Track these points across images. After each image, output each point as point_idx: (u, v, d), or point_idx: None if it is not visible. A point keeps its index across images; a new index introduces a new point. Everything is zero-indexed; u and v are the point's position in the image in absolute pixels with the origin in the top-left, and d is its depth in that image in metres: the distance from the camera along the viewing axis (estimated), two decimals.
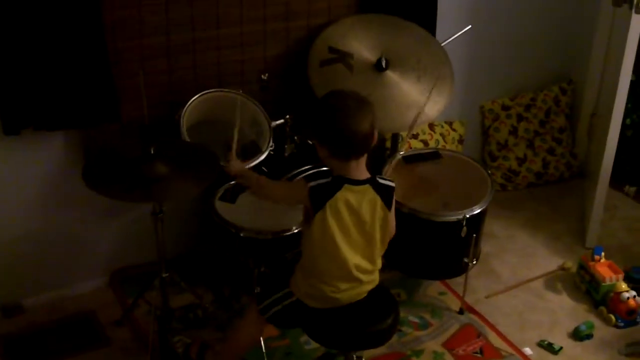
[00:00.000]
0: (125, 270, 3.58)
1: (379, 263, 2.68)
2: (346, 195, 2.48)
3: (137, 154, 2.72)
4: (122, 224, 3.47)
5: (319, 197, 2.47)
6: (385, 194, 2.55)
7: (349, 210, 2.50)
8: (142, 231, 3.43)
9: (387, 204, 2.56)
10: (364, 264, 2.61)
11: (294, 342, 3.20)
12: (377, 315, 2.69)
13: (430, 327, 3.36)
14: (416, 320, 3.38)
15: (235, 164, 2.77)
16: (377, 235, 2.58)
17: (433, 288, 3.58)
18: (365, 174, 2.53)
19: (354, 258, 2.57)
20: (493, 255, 3.80)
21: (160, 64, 3.23)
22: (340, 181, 2.48)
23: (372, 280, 2.68)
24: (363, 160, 2.51)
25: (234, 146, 2.80)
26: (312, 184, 2.48)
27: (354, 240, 2.55)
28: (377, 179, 2.55)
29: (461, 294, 3.47)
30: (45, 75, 2.90)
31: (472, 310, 3.46)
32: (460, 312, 3.44)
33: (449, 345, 3.26)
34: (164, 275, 2.96)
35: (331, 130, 2.43)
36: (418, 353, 3.20)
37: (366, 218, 2.52)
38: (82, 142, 3.17)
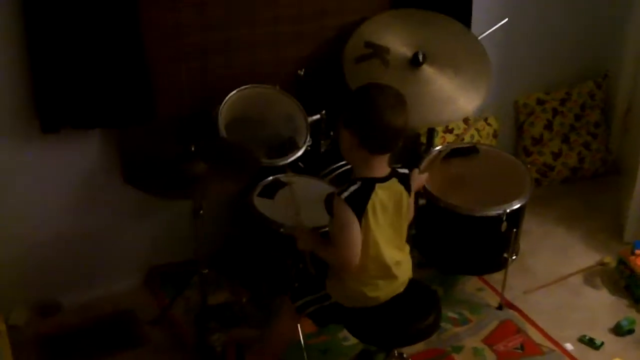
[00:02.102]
0: (160, 268, 3.57)
1: (407, 246, 2.68)
2: (380, 194, 2.47)
3: (175, 152, 2.71)
4: (156, 222, 3.48)
5: (358, 204, 2.44)
6: (406, 181, 2.56)
7: (382, 209, 2.49)
8: (177, 229, 3.44)
9: (408, 190, 2.57)
10: (398, 255, 2.60)
11: (332, 339, 3.19)
12: (419, 311, 2.67)
13: (470, 323, 3.33)
14: (455, 316, 3.35)
15: (304, 237, 2.67)
16: (404, 224, 2.59)
17: (471, 284, 3.55)
18: (386, 168, 2.52)
19: (391, 253, 2.55)
20: (528, 251, 3.75)
21: (196, 63, 3.22)
22: (370, 183, 2.46)
23: (406, 270, 2.66)
24: (387, 157, 2.50)
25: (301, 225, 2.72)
26: (345, 194, 2.43)
27: (388, 235, 2.54)
28: (397, 169, 2.55)
29: (499, 290, 3.44)
30: (83, 73, 2.90)
31: (511, 306, 3.43)
32: (499, 307, 3.41)
33: (488, 341, 3.23)
34: (204, 272, 2.94)
35: (368, 120, 2.41)
36: (458, 349, 3.17)
37: (394, 210, 2.52)
38: (118, 141, 3.18)
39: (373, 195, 2.45)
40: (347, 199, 2.43)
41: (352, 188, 2.45)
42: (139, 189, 2.58)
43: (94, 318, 3.33)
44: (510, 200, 3.21)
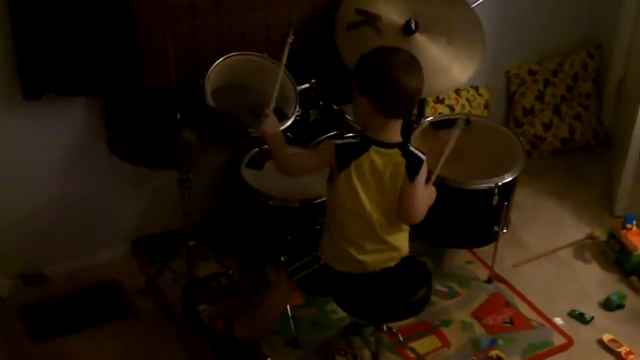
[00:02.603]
0: (148, 238, 3.52)
1: (403, 234, 2.62)
2: (372, 157, 2.43)
3: (162, 121, 2.64)
4: (144, 191, 3.41)
5: (344, 156, 2.43)
6: (412, 162, 2.46)
7: (372, 173, 2.44)
8: (165, 198, 3.38)
9: (411, 173, 2.46)
10: (386, 221, 2.53)
11: (321, 311, 3.15)
12: (409, 285, 2.63)
13: (459, 296, 3.30)
14: (444, 289, 3.33)
15: (273, 122, 2.69)
16: (396, 200, 2.50)
17: (460, 257, 3.52)
18: (397, 137, 2.46)
19: (375, 214, 2.50)
20: (519, 224, 3.72)
21: (184, 28, 3.13)
22: (368, 142, 2.43)
23: (399, 245, 2.61)
24: (400, 123, 2.44)
25: (273, 102, 2.72)
26: (339, 141, 2.45)
27: (376, 198, 2.48)
28: (408, 145, 2.48)
29: (489, 263, 3.41)
30: (67, 38, 2.81)
31: (500, 279, 3.40)
32: (489, 281, 3.39)
33: (478, 314, 3.20)
34: (190, 243, 2.89)
35: (385, 84, 2.36)
36: (447, 323, 3.15)
37: (388, 182, 2.46)
38: (104, 109, 3.10)
39: (364, 155, 2.42)
40: (337, 146, 2.43)
41: (349, 140, 2.45)
42: (124, 159, 2.51)
43: (80, 288, 3.28)
44: (502, 173, 3.17)
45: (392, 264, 2.62)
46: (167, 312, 3.14)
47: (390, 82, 2.35)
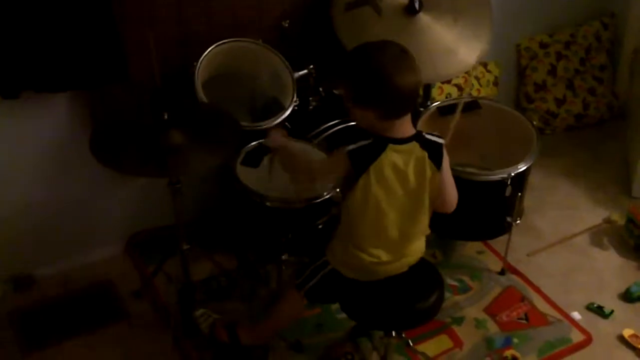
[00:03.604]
0: (141, 235, 3.35)
1: (427, 229, 2.44)
2: (391, 156, 2.20)
3: (148, 122, 2.44)
4: (135, 187, 3.24)
5: (360, 161, 2.20)
6: (434, 151, 2.27)
7: (395, 174, 2.23)
8: (158, 192, 3.15)
9: (436, 162, 2.27)
10: (411, 229, 2.36)
11: (326, 311, 2.99)
12: (421, 291, 2.46)
13: (471, 290, 3.13)
14: (455, 283, 3.16)
15: (277, 135, 2.50)
16: (425, 198, 2.32)
17: (470, 246, 3.35)
18: (410, 130, 2.25)
19: (399, 223, 2.31)
20: (532, 208, 3.53)
21: (170, 14, 2.91)
22: (383, 142, 2.20)
23: (416, 251, 2.44)
24: (409, 116, 2.24)
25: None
26: (351, 147, 2.20)
27: (401, 204, 2.29)
28: (424, 134, 2.28)
29: (502, 253, 3.24)
30: (43, 31, 2.59)
31: (513, 271, 3.23)
32: (502, 272, 3.22)
33: (491, 310, 3.04)
34: (185, 247, 2.72)
35: (378, 90, 2.13)
36: (459, 320, 2.99)
37: (412, 179, 2.26)
38: (88, 105, 2.90)
39: (382, 156, 2.20)
40: (350, 152, 2.20)
41: (362, 142, 2.21)
42: (110, 168, 2.32)
43: (72, 291, 3.13)
44: (513, 159, 2.98)
45: (405, 269, 2.45)
46: (163, 316, 2.99)
47: (387, 88, 2.11)
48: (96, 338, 2.91)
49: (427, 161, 2.26)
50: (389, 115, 2.17)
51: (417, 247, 2.45)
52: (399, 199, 2.27)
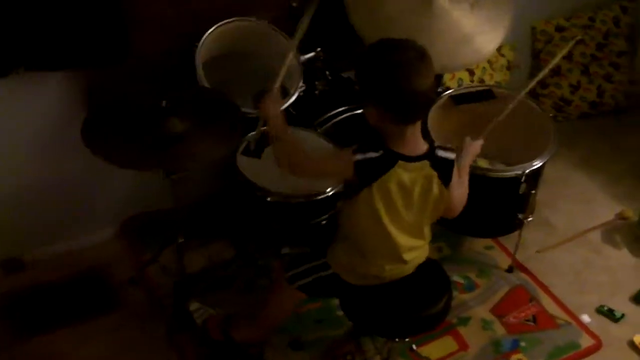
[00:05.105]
0: (136, 218, 3.22)
1: (429, 235, 2.31)
2: (399, 174, 2.07)
3: (146, 109, 2.29)
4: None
5: (366, 174, 2.07)
6: (444, 169, 2.14)
7: (400, 191, 2.10)
8: (154, 175, 3.05)
9: (445, 180, 2.15)
10: (413, 242, 2.25)
11: (326, 306, 2.88)
12: (428, 295, 2.34)
13: (477, 288, 3.02)
14: (461, 280, 3.04)
15: (276, 104, 2.31)
16: (427, 214, 2.20)
17: (479, 241, 3.23)
18: (421, 145, 2.11)
19: (402, 239, 2.20)
20: (545, 202, 3.38)
21: None
22: (393, 157, 2.06)
23: (418, 256, 2.32)
24: (419, 125, 2.09)
25: (280, 78, 2.32)
26: (359, 157, 2.05)
27: (402, 220, 2.17)
28: (437, 151, 2.13)
29: (510, 249, 3.12)
30: (34, 4, 2.42)
31: (522, 269, 3.11)
32: (510, 270, 3.09)
33: (498, 310, 2.92)
34: (180, 240, 2.58)
35: (392, 90, 1.97)
36: (465, 321, 2.87)
37: (416, 197, 2.13)
38: (84, 84, 2.75)
39: (391, 172, 2.06)
40: (357, 163, 2.06)
41: (371, 154, 2.06)
42: (104, 160, 2.18)
43: (64, 276, 3.01)
44: (528, 152, 2.84)
45: (410, 271, 2.32)
46: (158, 307, 2.87)
47: (399, 89, 1.96)
48: (88, 327, 2.80)
49: (436, 180, 2.13)
50: (397, 119, 2.02)
51: (423, 252, 2.34)
52: (400, 214, 2.16)
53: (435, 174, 2.12)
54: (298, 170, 2.21)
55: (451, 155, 2.17)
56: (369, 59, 2.03)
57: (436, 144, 2.17)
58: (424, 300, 2.33)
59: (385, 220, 2.14)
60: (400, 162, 2.06)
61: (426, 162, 2.10)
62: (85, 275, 3.02)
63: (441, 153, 2.14)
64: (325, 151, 2.41)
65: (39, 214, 2.98)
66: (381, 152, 2.05)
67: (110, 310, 2.88)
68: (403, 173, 2.07)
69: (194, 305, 2.74)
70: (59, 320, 2.83)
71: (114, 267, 3.05)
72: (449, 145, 2.21)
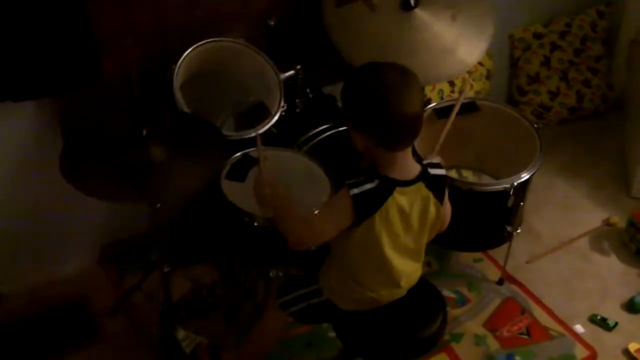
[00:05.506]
0: (117, 244, 3.13)
1: (420, 268, 2.29)
2: (398, 200, 2.02)
3: (125, 135, 2.20)
4: None
5: (365, 207, 2.01)
6: (438, 187, 2.11)
7: (401, 217, 2.05)
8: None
9: (440, 198, 2.12)
10: (411, 265, 2.22)
11: (316, 329, 2.81)
12: (422, 316, 2.29)
13: (469, 303, 2.97)
14: (452, 295, 2.99)
15: (267, 182, 2.27)
16: (426, 235, 2.18)
17: (467, 254, 3.18)
18: (414, 167, 2.06)
19: (401, 264, 2.16)
20: (530, 209, 3.33)
21: (147, 7, 2.66)
22: (389, 185, 2.01)
23: (414, 278, 2.28)
24: (410, 149, 2.04)
25: (261, 166, 2.31)
26: (356, 191, 1.99)
27: (402, 246, 2.13)
28: (428, 170, 2.09)
29: (500, 261, 3.08)
30: (4, 29, 2.33)
31: (512, 280, 3.08)
32: (500, 282, 3.06)
33: (490, 325, 2.88)
34: (165, 270, 2.50)
35: (378, 117, 1.93)
36: (457, 337, 2.82)
37: (415, 221, 2.10)
38: (57, 111, 2.66)
39: (390, 200, 2.01)
40: (355, 197, 1.99)
41: (367, 186, 2.00)
42: (83, 193, 2.09)
43: (42, 308, 2.91)
44: (514, 163, 2.81)
45: (404, 294, 2.27)
46: (143, 337, 2.78)
47: (385, 115, 1.91)
48: None
49: (433, 200, 2.10)
50: (386, 144, 1.97)
51: (415, 277, 2.29)
52: (401, 241, 2.11)
53: (430, 194, 2.08)
54: (309, 237, 2.11)
55: (441, 171, 2.13)
56: (352, 87, 1.99)
57: (424, 161, 2.12)
58: (419, 322, 2.28)
59: (386, 247, 2.09)
60: (398, 187, 2.01)
61: (421, 184, 2.05)
62: (63, 306, 2.92)
63: (433, 171, 2.09)
64: (320, 206, 2.33)
65: (14, 244, 2.88)
66: (377, 181, 2.00)
67: (91, 343, 2.79)
68: (401, 198, 2.03)
69: (181, 334, 2.66)
70: (35, 354, 2.74)
71: (96, 296, 2.95)
72: (435, 161, 2.18)
